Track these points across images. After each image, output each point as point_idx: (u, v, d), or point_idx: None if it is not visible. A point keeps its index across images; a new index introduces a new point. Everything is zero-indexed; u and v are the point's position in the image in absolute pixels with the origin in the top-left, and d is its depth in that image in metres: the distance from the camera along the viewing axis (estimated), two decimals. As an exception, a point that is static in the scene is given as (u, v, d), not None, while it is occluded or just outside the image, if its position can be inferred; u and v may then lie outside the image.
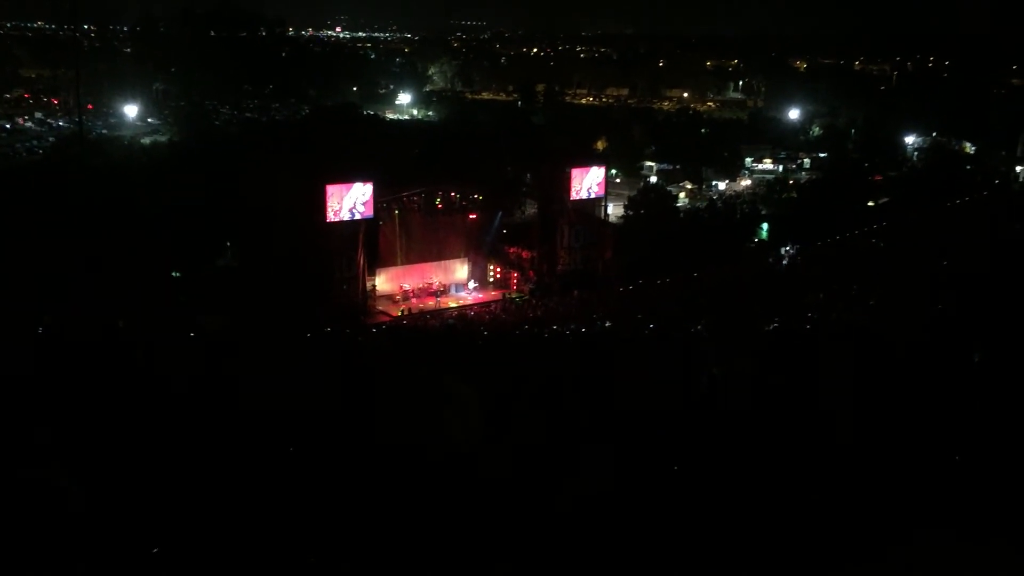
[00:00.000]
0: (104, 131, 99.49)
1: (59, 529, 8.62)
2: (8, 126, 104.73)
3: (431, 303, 52.07)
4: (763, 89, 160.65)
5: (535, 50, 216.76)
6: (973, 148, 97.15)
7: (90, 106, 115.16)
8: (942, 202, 60.90)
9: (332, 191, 47.11)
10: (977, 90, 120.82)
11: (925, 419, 11.47)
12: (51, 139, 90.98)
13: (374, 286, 51.46)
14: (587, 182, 54.55)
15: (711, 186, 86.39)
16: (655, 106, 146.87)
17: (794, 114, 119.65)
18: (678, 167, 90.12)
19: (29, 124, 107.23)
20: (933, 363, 15.25)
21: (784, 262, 53.23)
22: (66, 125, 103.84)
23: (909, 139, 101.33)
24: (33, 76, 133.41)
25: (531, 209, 57.36)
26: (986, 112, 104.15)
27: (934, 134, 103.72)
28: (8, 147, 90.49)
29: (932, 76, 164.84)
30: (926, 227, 54.61)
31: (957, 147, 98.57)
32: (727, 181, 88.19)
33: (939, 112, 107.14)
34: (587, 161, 57.28)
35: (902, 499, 9.47)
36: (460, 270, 56.10)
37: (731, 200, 73.42)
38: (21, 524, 8.63)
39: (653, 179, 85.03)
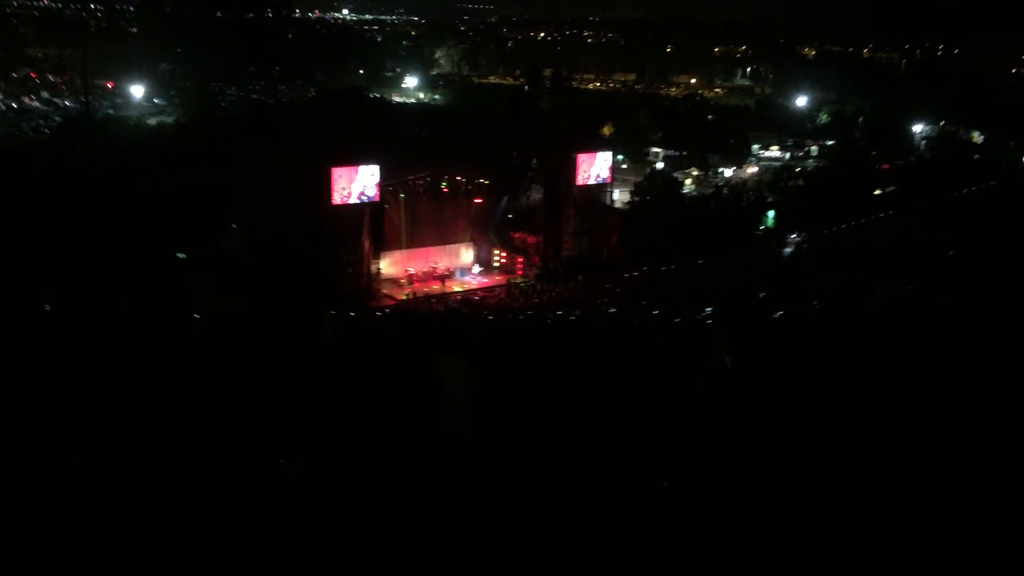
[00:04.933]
0: (110, 111, 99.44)
1: (75, 512, 8.60)
2: (14, 105, 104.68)
3: (436, 287, 52.08)
4: (771, 76, 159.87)
5: (542, 35, 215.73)
6: (982, 137, 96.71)
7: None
8: (950, 191, 60.63)
9: (338, 174, 47.04)
10: (986, 79, 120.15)
11: (933, 412, 11.42)
12: (57, 119, 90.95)
13: (379, 270, 51.46)
14: (593, 167, 54.45)
15: (717, 173, 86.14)
16: (662, 92, 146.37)
17: (802, 101, 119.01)
18: (685, 153, 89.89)
19: (35, 103, 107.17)
20: (940, 353, 15.15)
21: (790, 250, 53.06)
22: (72, 105, 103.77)
23: (917, 128, 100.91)
24: (40, 55, 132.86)
25: (537, 194, 57.25)
26: (995, 101, 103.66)
27: (942, 123, 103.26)
28: (14, 126, 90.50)
29: (941, 64, 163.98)
30: (933, 216, 54.40)
31: (965, 136, 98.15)
32: (734, 168, 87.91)
33: (948, 101, 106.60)
34: (593, 146, 57.20)
35: (912, 493, 9.43)
36: (465, 254, 56.09)
37: (737, 187, 73.18)
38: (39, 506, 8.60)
39: (659, 165, 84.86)
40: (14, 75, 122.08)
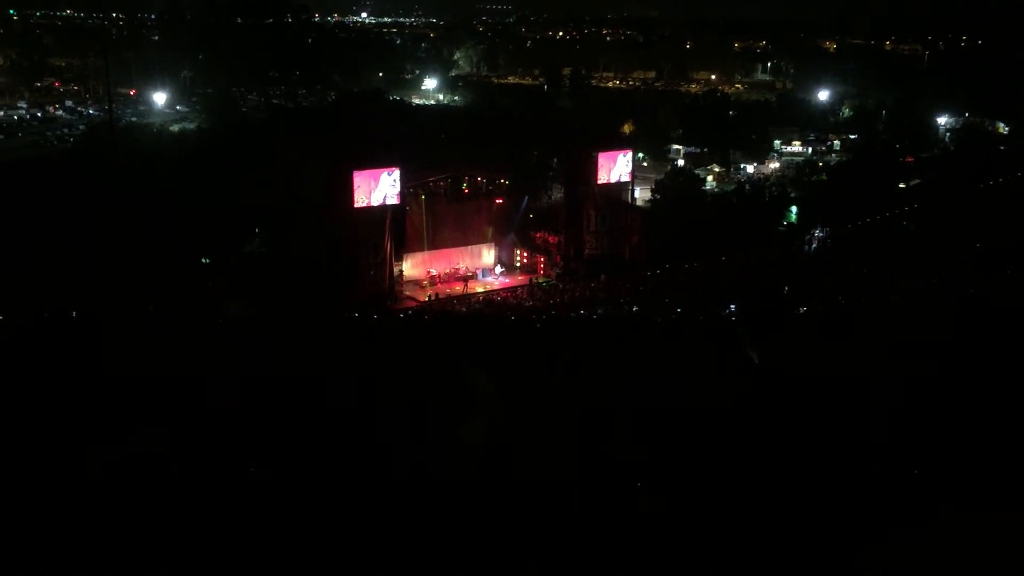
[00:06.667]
0: (134, 119, 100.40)
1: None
2: (39, 114, 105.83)
3: (458, 288, 52.09)
4: (792, 70, 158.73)
5: (561, 34, 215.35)
6: (1007, 129, 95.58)
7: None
8: (975, 184, 59.99)
9: (359, 177, 47.19)
10: (1011, 69, 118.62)
11: (960, 408, 11.30)
12: (81, 127, 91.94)
13: (401, 271, 51.56)
14: (614, 166, 54.37)
15: (739, 169, 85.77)
16: (682, 89, 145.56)
17: (823, 95, 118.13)
18: (706, 150, 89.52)
19: (60, 112, 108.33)
20: (965, 347, 15.01)
21: (813, 246, 52.72)
22: (96, 113, 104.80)
23: (941, 120, 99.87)
24: (63, 65, 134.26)
25: (558, 194, 57.15)
26: (1020, 92, 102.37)
27: (967, 114, 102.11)
28: (39, 135, 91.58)
29: (965, 55, 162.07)
30: (958, 209, 53.85)
31: (990, 127, 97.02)
32: (755, 164, 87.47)
33: (972, 92, 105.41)
34: (614, 145, 57.10)
35: (934, 487, 9.34)
36: (487, 255, 56.09)
37: (759, 183, 72.79)
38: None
39: (680, 162, 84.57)
40: (38, 84, 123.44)
